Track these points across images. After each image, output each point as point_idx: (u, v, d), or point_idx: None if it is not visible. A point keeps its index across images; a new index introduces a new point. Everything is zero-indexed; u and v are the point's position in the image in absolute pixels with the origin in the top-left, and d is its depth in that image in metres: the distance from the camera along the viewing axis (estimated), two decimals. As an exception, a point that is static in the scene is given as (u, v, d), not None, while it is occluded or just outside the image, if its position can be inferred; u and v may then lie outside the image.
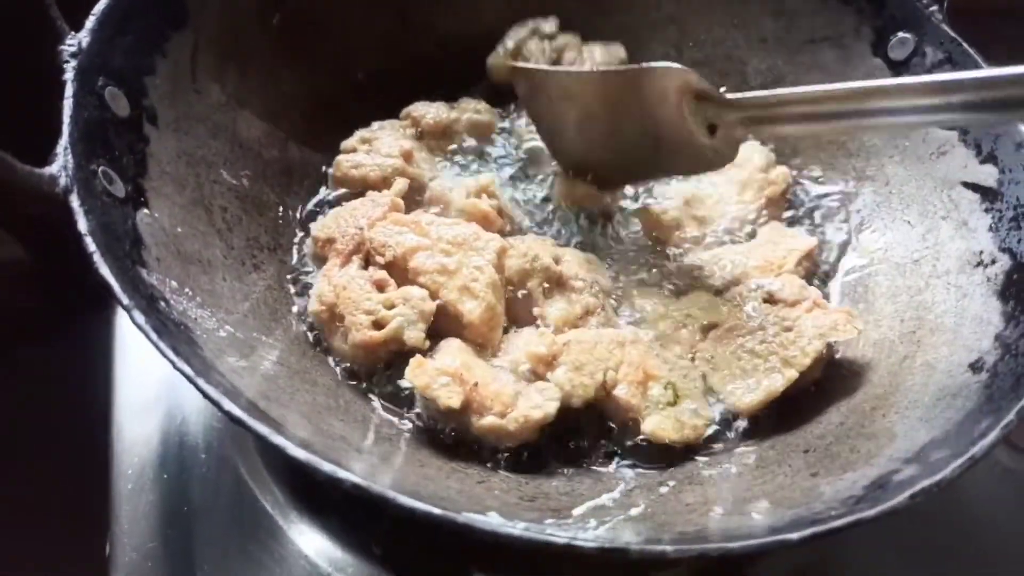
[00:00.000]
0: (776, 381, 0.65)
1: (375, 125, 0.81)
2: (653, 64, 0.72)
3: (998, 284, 0.66)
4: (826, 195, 0.82)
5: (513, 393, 0.62)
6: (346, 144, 0.80)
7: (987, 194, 0.71)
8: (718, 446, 0.65)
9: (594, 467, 0.63)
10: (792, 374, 0.65)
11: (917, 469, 0.52)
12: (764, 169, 0.81)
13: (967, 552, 0.72)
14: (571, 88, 0.77)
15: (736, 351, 0.68)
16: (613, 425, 0.66)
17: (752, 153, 0.82)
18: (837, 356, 0.70)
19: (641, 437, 0.64)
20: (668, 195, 0.81)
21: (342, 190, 0.78)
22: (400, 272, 0.67)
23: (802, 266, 0.75)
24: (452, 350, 0.64)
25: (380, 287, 0.66)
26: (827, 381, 0.69)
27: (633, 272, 0.77)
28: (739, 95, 0.70)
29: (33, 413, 0.75)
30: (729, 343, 0.69)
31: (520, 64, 0.84)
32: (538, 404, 0.62)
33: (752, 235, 0.80)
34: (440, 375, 0.61)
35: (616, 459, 0.64)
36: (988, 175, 0.71)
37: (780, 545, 0.45)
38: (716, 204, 0.81)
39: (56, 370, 0.81)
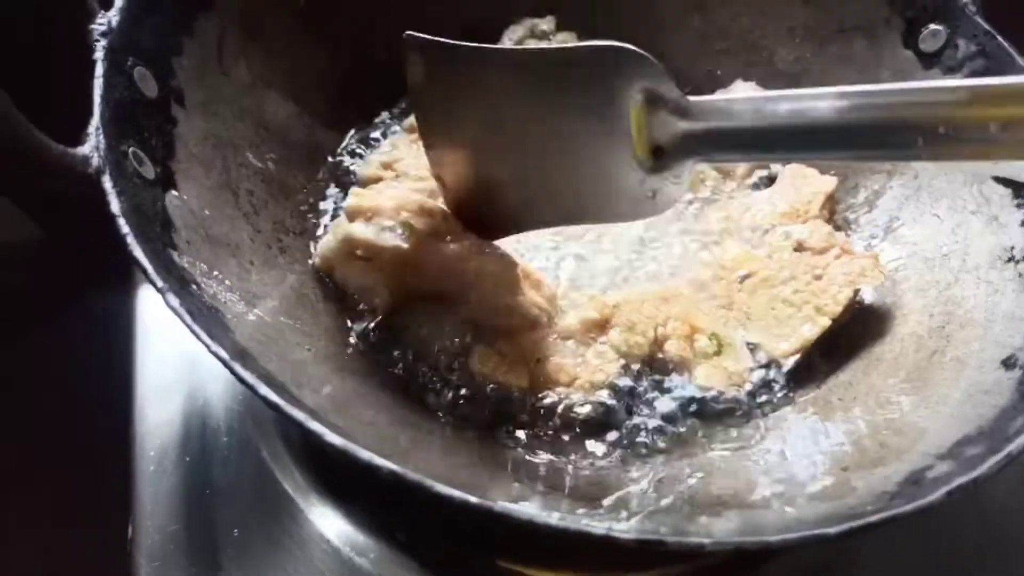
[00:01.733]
0: (810, 329, 0.69)
1: (384, 145, 0.79)
2: (602, 43, 0.53)
3: (1030, 280, 0.65)
4: (855, 187, 0.81)
5: (575, 362, 0.65)
6: (366, 173, 0.75)
7: (1019, 189, 0.70)
8: (745, 433, 0.66)
9: (622, 457, 0.63)
10: (825, 321, 0.69)
11: (951, 465, 0.52)
12: None
13: (988, 553, 0.72)
14: (484, 73, 0.57)
15: (771, 300, 0.71)
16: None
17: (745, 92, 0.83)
18: (866, 305, 0.73)
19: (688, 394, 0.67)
20: None
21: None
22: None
23: (826, 208, 0.77)
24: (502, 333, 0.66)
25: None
26: (855, 374, 0.68)
27: (666, 223, 0.78)
28: (705, 98, 0.54)
29: (54, 395, 0.75)
30: (763, 293, 0.72)
31: (415, 35, 0.60)
32: (600, 367, 0.65)
33: (771, 179, 0.83)
34: (503, 358, 0.64)
35: (646, 448, 0.64)
36: (1020, 169, 0.70)
37: (818, 539, 0.45)
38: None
39: (76, 352, 0.81)
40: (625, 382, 0.67)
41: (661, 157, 0.54)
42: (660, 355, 0.68)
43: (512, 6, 0.89)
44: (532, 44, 0.86)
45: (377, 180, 0.75)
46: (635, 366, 0.68)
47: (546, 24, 0.88)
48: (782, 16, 0.87)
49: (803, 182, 0.79)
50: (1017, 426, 0.53)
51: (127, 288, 0.80)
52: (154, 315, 0.78)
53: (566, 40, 0.87)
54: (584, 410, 0.65)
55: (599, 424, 0.65)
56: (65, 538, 0.68)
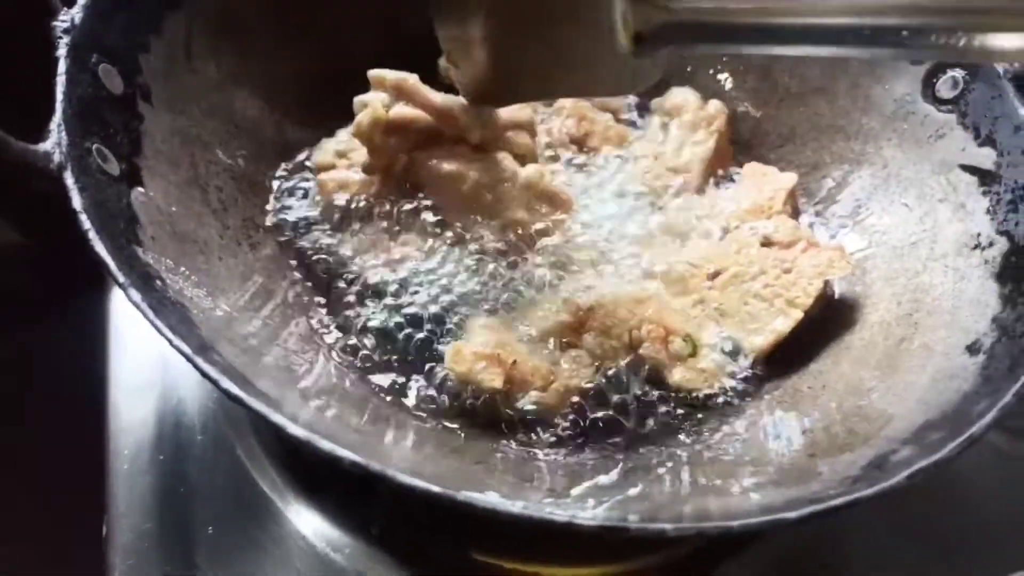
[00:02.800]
0: (783, 323, 0.69)
1: (341, 135, 0.79)
2: None
3: (995, 266, 0.66)
4: (824, 177, 0.82)
5: (550, 365, 0.65)
6: (321, 160, 0.77)
7: (985, 177, 0.70)
8: (714, 423, 0.66)
9: (591, 450, 0.63)
10: (797, 314, 0.69)
11: (914, 449, 0.52)
12: (701, 107, 0.85)
13: (964, 538, 0.72)
14: None
15: (742, 296, 0.72)
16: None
17: (684, 96, 0.85)
18: (836, 297, 0.74)
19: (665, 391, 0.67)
20: (634, 157, 0.83)
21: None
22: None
23: (788, 204, 0.78)
24: (483, 331, 0.66)
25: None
26: (825, 363, 0.69)
27: (632, 225, 0.77)
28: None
29: (28, 394, 0.74)
30: (735, 289, 0.72)
31: None
32: (575, 372, 0.65)
33: (731, 178, 0.84)
34: (478, 360, 0.63)
35: (617, 440, 0.64)
36: (986, 158, 0.71)
37: (777, 524, 0.45)
38: (680, 151, 0.83)
39: (50, 352, 0.81)
40: (600, 385, 0.67)
41: (641, 43, 0.58)
42: (635, 358, 0.68)
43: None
44: None
45: (331, 167, 0.76)
46: (610, 370, 0.67)
47: None
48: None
49: (764, 180, 0.80)
50: (980, 409, 0.53)
51: (100, 288, 0.79)
52: (128, 315, 0.78)
53: None
54: (560, 411, 0.65)
55: (572, 420, 0.65)
56: (39, 536, 0.68)
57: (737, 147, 0.87)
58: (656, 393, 0.67)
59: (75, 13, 0.59)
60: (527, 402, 0.64)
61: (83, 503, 0.67)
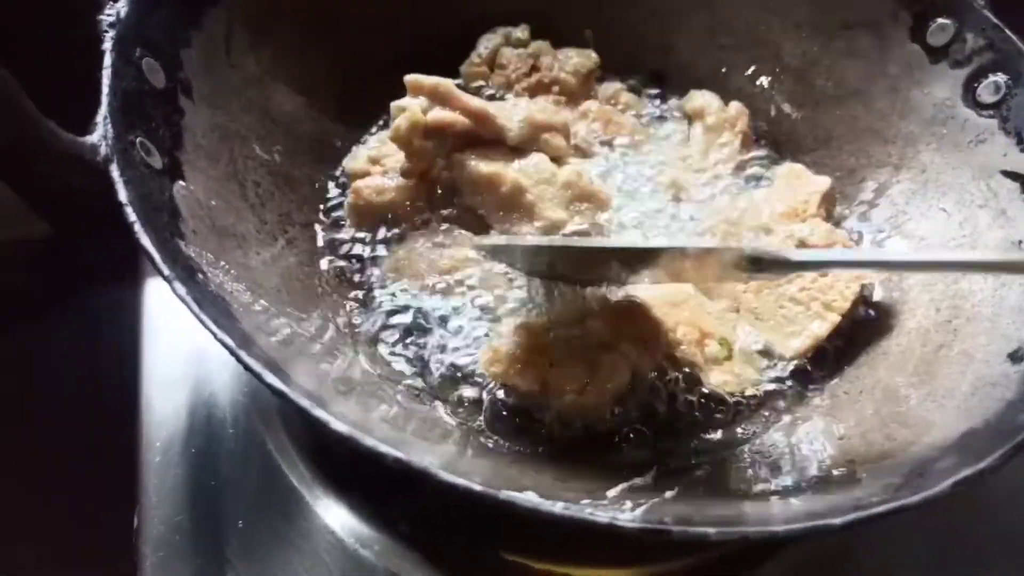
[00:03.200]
0: (819, 327, 0.69)
1: (371, 141, 0.80)
2: (717, 247, 0.68)
3: (1038, 274, 0.65)
4: (862, 181, 0.81)
5: (585, 369, 0.63)
6: (355, 167, 0.76)
7: (1027, 183, 0.70)
8: (749, 428, 0.65)
9: (626, 451, 0.63)
10: (834, 318, 0.69)
11: (958, 457, 0.52)
12: (723, 110, 0.85)
13: (995, 545, 0.72)
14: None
15: (778, 300, 0.71)
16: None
17: (704, 99, 0.85)
18: (874, 298, 0.72)
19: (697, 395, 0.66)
20: (661, 161, 0.83)
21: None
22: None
23: (823, 207, 0.77)
24: (518, 331, 0.66)
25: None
26: (861, 369, 0.68)
27: (664, 226, 0.78)
28: (800, 256, 0.62)
29: (62, 387, 0.75)
30: (770, 293, 0.71)
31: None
32: (610, 376, 0.63)
33: (758, 177, 0.83)
34: (514, 362, 0.63)
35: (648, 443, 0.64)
36: (1030, 163, 0.70)
37: (823, 530, 0.45)
38: (707, 154, 0.83)
39: (83, 345, 0.82)
40: (637, 388, 0.66)
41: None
42: (671, 360, 0.67)
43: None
44: (508, 52, 0.86)
45: (364, 175, 0.75)
46: (649, 373, 0.66)
47: (521, 32, 0.88)
48: (788, 11, 0.86)
49: (798, 183, 0.79)
50: (1023, 418, 0.53)
51: (134, 281, 0.80)
52: (161, 308, 0.78)
53: (542, 47, 0.87)
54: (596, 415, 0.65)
55: (608, 422, 0.65)
56: (71, 528, 0.68)
57: (772, 146, 0.87)
58: (692, 397, 0.66)
59: (120, 7, 0.60)
60: (562, 405, 0.63)
61: (115, 495, 0.68)
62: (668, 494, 0.56)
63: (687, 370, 0.67)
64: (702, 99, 0.86)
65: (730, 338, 0.69)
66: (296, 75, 0.77)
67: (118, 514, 0.67)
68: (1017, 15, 0.75)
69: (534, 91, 0.85)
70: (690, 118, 0.86)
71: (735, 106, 0.85)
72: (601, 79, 0.88)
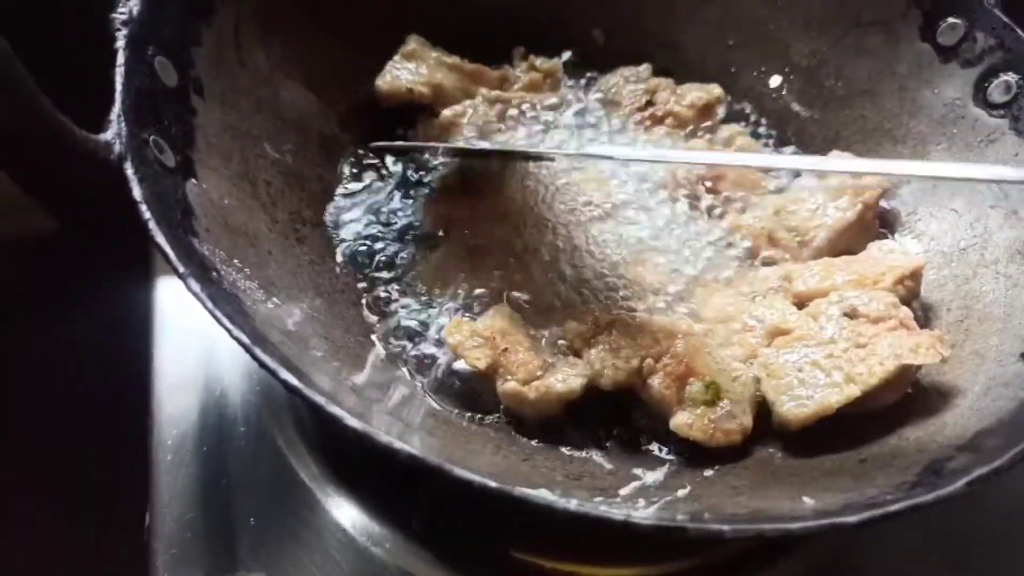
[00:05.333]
0: (833, 396, 0.60)
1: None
2: None
3: (1049, 275, 0.65)
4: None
5: (541, 363, 0.62)
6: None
7: (1038, 183, 0.70)
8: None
9: (638, 449, 0.63)
10: (853, 391, 0.60)
11: (971, 457, 0.52)
12: (855, 176, 0.77)
13: (1004, 543, 0.72)
14: None
15: (799, 361, 0.63)
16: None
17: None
18: (923, 383, 0.65)
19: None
20: (758, 204, 0.78)
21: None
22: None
23: (903, 285, 0.69)
24: (497, 315, 0.65)
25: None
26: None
27: (715, 269, 0.73)
28: None
29: (73, 386, 0.75)
30: (792, 352, 0.64)
31: None
32: (563, 378, 0.62)
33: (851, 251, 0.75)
34: (474, 336, 0.62)
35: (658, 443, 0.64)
36: (1042, 165, 0.70)
37: (838, 528, 0.45)
38: (812, 215, 0.76)
39: (94, 343, 0.82)
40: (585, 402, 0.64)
41: None
42: (643, 388, 0.63)
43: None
44: (627, 90, 0.86)
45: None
46: (604, 388, 0.63)
47: (643, 70, 0.88)
48: (798, 9, 0.86)
49: (884, 255, 0.72)
50: (1037, 418, 0.53)
51: (145, 279, 0.80)
52: (172, 306, 0.78)
53: (659, 85, 0.86)
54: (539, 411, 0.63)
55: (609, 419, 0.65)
56: (83, 525, 0.68)
57: (780, 146, 0.87)
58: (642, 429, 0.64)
59: (132, 5, 0.60)
60: (503, 389, 0.61)
61: (127, 492, 0.68)
62: (680, 492, 0.56)
63: (651, 402, 0.64)
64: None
65: (724, 386, 0.62)
66: (304, 72, 0.77)
67: (131, 512, 0.67)
68: (1027, 12, 0.75)
69: (649, 123, 0.84)
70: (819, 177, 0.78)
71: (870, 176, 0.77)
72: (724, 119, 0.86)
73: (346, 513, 0.67)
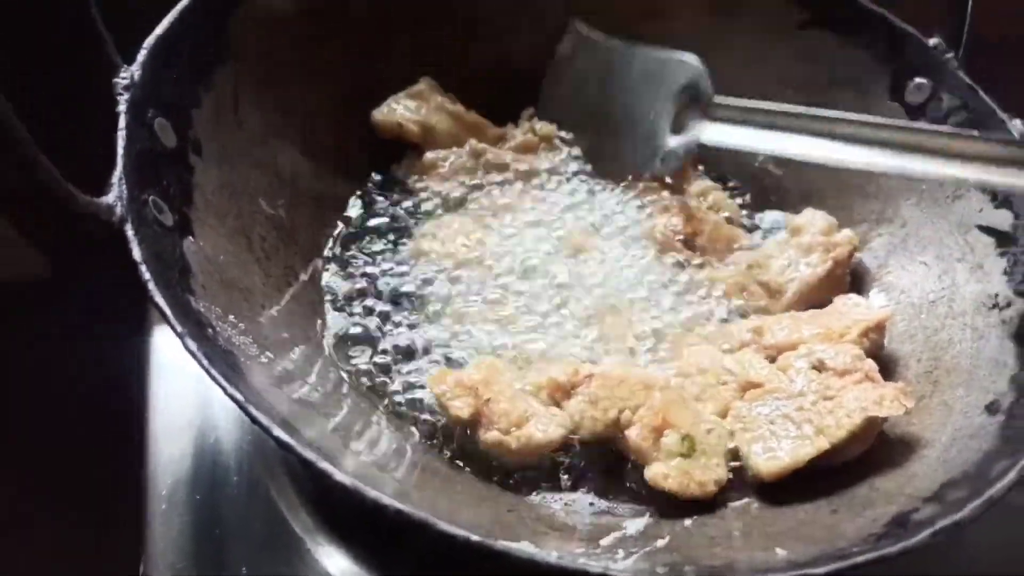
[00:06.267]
0: (804, 448, 0.63)
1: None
2: (682, 55, 0.82)
3: (1013, 327, 0.68)
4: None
5: (523, 414, 0.64)
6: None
7: (1002, 238, 0.73)
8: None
9: (621, 499, 0.65)
10: (823, 444, 0.62)
11: (936, 508, 0.54)
12: (827, 232, 0.80)
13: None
14: (607, 57, 0.87)
15: (770, 414, 0.66)
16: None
17: (813, 217, 0.82)
18: (894, 432, 0.67)
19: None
20: (732, 259, 0.81)
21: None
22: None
23: (867, 338, 0.72)
24: (481, 366, 0.67)
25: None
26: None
27: (690, 322, 0.76)
28: (728, 100, 0.80)
29: (67, 433, 0.77)
30: (764, 405, 0.67)
31: (584, 30, 0.90)
32: (543, 428, 0.63)
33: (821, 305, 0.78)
34: (457, 387, 0.64)
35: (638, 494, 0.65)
36: (1003, 219, 0.73)
37: (804, 579, 0.47)
38: (784, 270, 0.79)
39: (89, 392, 0.83)
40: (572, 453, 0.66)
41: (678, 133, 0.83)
42: (621, 439, 0.65)
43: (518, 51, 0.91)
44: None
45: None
46: (583, 440, 0.66)
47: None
48: (775, 68, 0.90)
49: (849, 309, 0.75)
50: (999, 469, 0.55)
51: (141, 325, 0.82)
52: (167, 356, 0.80)
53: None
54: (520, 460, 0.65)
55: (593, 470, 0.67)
56: (81, 573, 0.69)
57: (758, 201, 0.90)
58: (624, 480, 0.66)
59: (134, 70, 0.63)
60: (485, 439, 0.63)
61: (120, 542, 0.69)
62: (660, 543, 0.58)
63: (627, 452, 0.65)
64: (809, 216, 0.83)
65: (698, 438, 0.64)
66: (299, 132, 0.79)
67: (124, 561, 0.68)
68: (989, 74, 0.79)
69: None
70: (792, 233, 0.83)
71: (844, 234, 0.81)
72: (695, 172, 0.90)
73: (336, 563, 0.68)
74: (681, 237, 0.81)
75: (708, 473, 0.63)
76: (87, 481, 0.74)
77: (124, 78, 0.62)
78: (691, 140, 0.82)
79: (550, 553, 0.47)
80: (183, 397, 0.77)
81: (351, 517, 0.69)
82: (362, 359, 0.71)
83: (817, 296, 0.78)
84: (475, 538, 0.46)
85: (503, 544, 0.47)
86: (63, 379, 0.86)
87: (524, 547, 0.47)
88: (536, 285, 0.75)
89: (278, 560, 0.68)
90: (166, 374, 0.79)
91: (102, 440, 0.77)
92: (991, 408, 0.63)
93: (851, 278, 0.81)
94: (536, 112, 0.92)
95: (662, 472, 0.62)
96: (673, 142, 0.83)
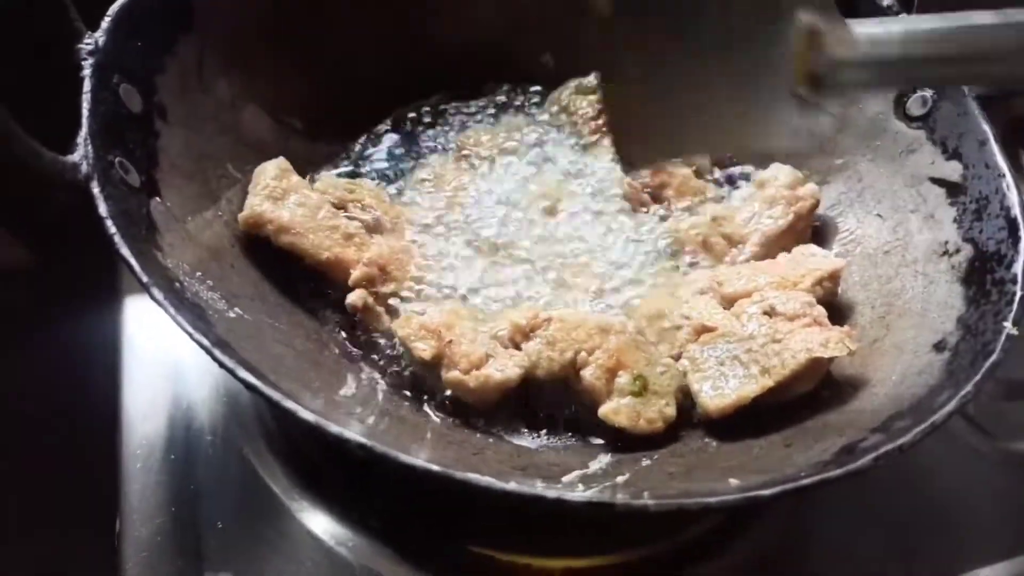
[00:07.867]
0: (749, 386, 0.65)
1: None
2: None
3: (961, 271, 0.70)
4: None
5: (483, 355, 0.66)
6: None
7: (952, 188, 0.75)
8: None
9: (585, 442, 0.67)
10: (767, 382, 0.65)
11: (882, 437, 0.56)
12: (791, 186, 0.81)
13: (937, 531, 0.76)
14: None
15: (721, 355, 0.68)
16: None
17: (779, 171, 0.82)
18: (844, 374, 0.69)
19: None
20: (697, 211, 0.82)
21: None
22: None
23: (821, 287, 0.73)
24: (444, 310, 0.69)
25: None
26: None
27: (651, 271, 0.78)
28: (866, 28, 0.59)
29: (44, 400, 0.78)
30: (716, 348, 0.69)
31: None
32: (501, 368, 0.66)
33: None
34: (421, 329, 0.66)
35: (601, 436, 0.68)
36: (953, 171, 0.75)
37: (753, 501, 0.49)
38: (746, 222, 0.81)
39: (64, 361, 0.84)
40: (534, 392, 0.68)
41: (819, 88, 0.61)
42: (575, 379, 0.67)
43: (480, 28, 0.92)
44: (579, 100, 0.88)
45: None
46: (541, 378, 0.67)
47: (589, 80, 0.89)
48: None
49: (805, 259, 0.76)
50: (942, 400, 0.57)
51: (113, 301, 0.83)
52: (140, 323, 0.82)
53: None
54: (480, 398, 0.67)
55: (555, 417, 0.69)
56: (55, 531, 0.71)
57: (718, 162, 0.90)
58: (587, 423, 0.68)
59: (99, 36, 0.64)
60: (447, 378, 0.65)
61: (98, 500, 0.70)
62: (620, 479, 0.60)
63: (583, 392, 0.67)
64: (775, 171, 0.83)
65: (651, 379, 0.67)
66: (265, 98, 0.80)
67: (101, 518, 0.69)
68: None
69: (603, 132, 0.86)
70: (758, 187, 0.83)
71: (808, 187, 0.81)
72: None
73: (310, 515, 0.70)
74: (649, 190, 0.83)
75: (658, 411, 0.66)
76: (65, 446, 0.75)
77: (88, 44, 0.63)
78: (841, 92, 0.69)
79: (508, 482, 0.49)
80: (156, 364, 0.79)
81: (323, 470, 0.71)
82: (333, 310, 0.73)
83: (778, 248, 0.79)
84: (436, 468, 0.48)
85: (462, 474, 0.49)
86: (38, 353, 0.87)
87: (483, 477, 0.49)
88: (508, 232, 0.78)
89: (252, 514, 0.70)
90: (139, 343, 0.81)
91: (78, 408, 0.78)
92: (938, 346, 0.65)
93: (813, 231, 0.83)
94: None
95: (613, 408, 0.65)
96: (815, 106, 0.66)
